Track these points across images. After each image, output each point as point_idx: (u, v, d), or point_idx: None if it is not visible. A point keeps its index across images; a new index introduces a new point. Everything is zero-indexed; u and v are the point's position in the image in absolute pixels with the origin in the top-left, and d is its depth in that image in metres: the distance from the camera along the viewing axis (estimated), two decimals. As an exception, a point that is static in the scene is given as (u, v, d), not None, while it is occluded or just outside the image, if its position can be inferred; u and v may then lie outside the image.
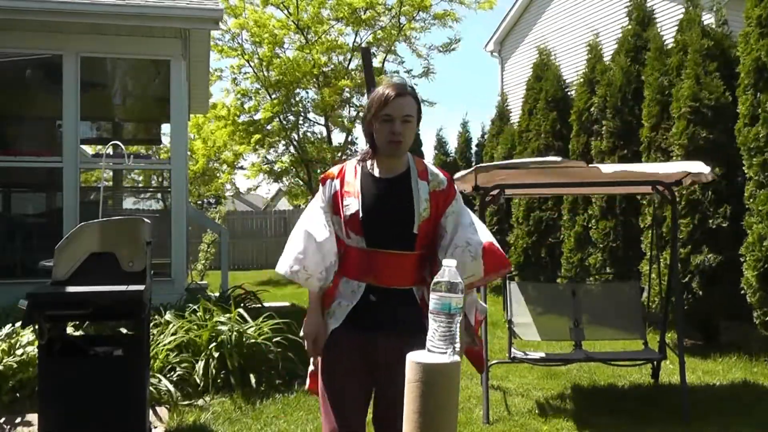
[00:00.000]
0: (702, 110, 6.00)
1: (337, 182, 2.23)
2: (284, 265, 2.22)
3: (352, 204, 2.16)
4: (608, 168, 4.30)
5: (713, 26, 6.52)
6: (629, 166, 4.78)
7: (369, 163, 2.23)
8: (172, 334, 4.81)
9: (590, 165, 4.32)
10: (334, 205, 2.22)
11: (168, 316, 5.11)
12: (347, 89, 13.78)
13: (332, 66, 14.11)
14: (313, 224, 2.23)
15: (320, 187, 2.29)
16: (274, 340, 4.94)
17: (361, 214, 2.15)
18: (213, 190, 17.80)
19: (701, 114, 6.01)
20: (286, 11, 13.90)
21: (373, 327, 2.14)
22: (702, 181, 4.62)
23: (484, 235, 2.19)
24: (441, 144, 11.90)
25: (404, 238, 2.15)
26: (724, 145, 5.95)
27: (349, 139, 14.69)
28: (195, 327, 4.87)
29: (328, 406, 2.19)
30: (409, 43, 14.41)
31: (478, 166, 4.43)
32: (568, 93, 8.84)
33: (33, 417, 3.78)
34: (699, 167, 4.17)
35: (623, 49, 7.28)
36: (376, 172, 2.21)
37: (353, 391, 2.19)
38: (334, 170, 2.28)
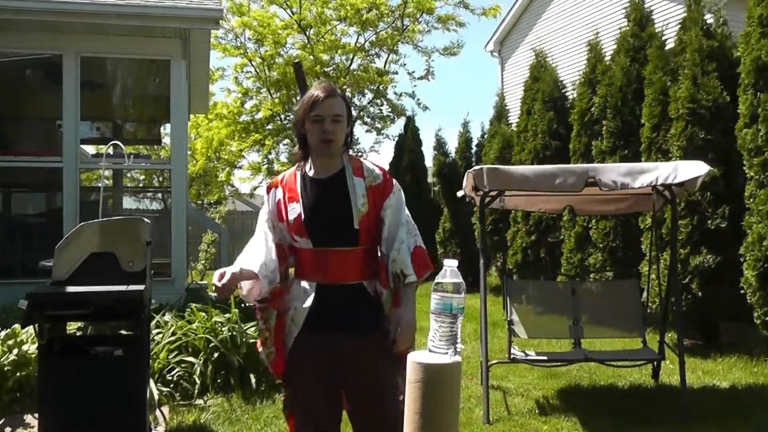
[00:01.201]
0: (699, 111, 5.99)
1: (279, 191, 2.30)
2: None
3: (295, 208, 2.23)
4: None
5: (714, 26, 6.51)
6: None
7: (306, 166, 2.30)
8: (172, 334, 4.81)
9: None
10: (277, 212, 2.28)
11: (168, 317, 5.11)
12: (348, 89, 13.77)
13: (334, 66, 14.12)
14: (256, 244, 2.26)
15: (266, 196, 2.35)
16: (274, 340, 4.93)
17: (303, 217, 2.20)
18: (214, 194, 17.77)
19: (699, 115, 6.00)
20: (289, 11, 13.90)
21: (332, 327, 2.18)
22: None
23: (416, 238, 2.26)
24: (440, 145, 11.83)
25: (347, 235, 2.20)
26: (722, 146, 5.94)
27: (350, 140, 14.69)
28: (195, 327, 4.86)
29: (299, 416, 2.24)
30: (413, 44, 14.39)
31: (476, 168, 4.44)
32: (566, 93, 8.84)
33: (33, 417, 3.78)
34: (694, 169, 4.12)
35: (623, 49, 7.28)
36: (312, 174, 2.28)
37: (322, 397, 2.22)
38: (278, 178, 2.35)
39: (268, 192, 2.34)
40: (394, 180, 2.34)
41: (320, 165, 2.27)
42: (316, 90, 2.22)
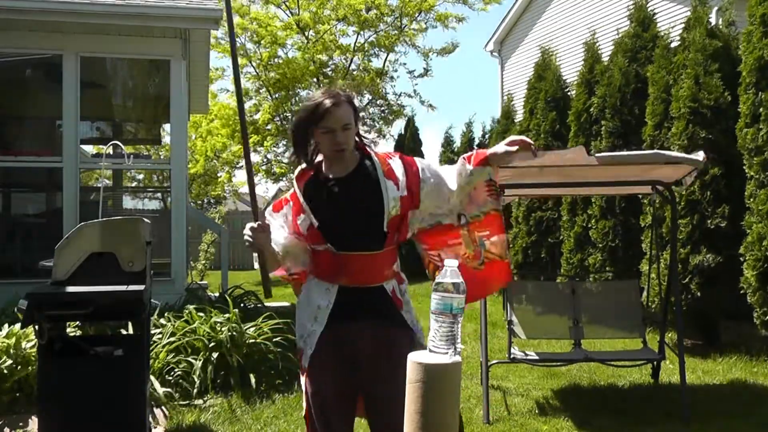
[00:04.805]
0: (701, 111, 6.00)
1: (288, 208, 2.27)
2: None
3: (305, 219, 2.18)
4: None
5: (720, 26, 6.51)
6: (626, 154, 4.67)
7: (318, 169, 2.24)
8: (172, 334, 4.81)
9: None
10: (293, 228, 2.25)
11: (167, 316, 5.11)
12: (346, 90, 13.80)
13: (333, 66, 14.13)
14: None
15: (272, 216, 2.32)
16: (274, 340, 4.94)
17: (316, 224, 2.15)
18: (214, 191, 17.79)
19: (700, 114, 6.00)
20: (288, 12, 13.91)
21: (352, 322, 2.15)
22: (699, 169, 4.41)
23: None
24: (448, 142, 12.08)
25: (374, 238, 2.16)
26: (723, 146, 5.94)
27: (361, 137, 14.75)
28: (194, 327, 4.86)
29: (314, 420, 2.18)
30: (411, 44, 14.41)
31: None
32: (568, 93, 8.84)
33: (32, 417, 3.78)
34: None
35: (621, 50, 7.29)
36: (331, 174, 2.21)
37: (340, 401, 2.18)
38: (283, 198, 2.32)
39: (275, 210, 2.29)
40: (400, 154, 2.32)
41: (335, 166, 2.22)
42: (322, 97, 2.15)
